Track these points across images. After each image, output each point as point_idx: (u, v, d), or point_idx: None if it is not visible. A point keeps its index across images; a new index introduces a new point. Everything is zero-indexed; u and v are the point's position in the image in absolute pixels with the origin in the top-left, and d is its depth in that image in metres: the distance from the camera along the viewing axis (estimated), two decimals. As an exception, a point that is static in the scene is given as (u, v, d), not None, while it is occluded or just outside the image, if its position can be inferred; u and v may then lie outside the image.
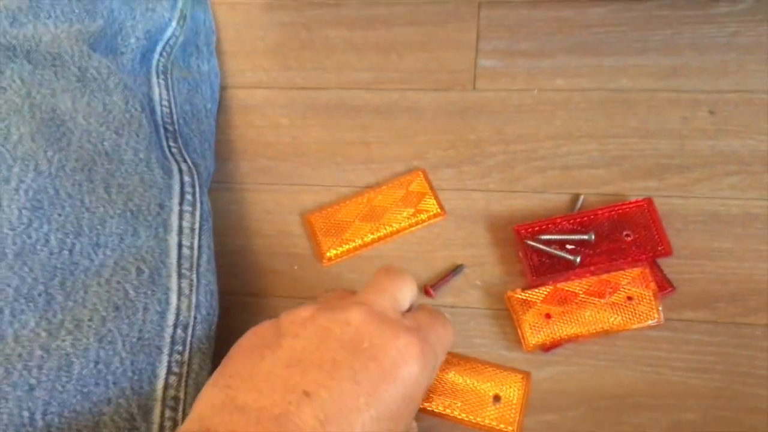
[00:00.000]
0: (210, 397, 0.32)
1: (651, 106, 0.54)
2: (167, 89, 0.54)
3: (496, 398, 0.43)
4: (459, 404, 0.43)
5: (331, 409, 0.31)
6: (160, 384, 0.39)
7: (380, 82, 0.59)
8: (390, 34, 0.61)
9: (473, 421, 0.43)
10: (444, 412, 0.43)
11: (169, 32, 0.57)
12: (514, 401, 0.43)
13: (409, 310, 0.39)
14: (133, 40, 0.53)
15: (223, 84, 0.61)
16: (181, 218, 0.46)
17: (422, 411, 0.43)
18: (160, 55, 0.55)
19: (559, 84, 0.56)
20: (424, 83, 0.58)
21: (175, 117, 0.53)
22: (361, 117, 0.58)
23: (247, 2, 0.65)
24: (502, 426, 0.43)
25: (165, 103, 0.53)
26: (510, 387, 0.44)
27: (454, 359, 0.44)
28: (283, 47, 0.62)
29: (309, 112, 0.59)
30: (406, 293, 0.38)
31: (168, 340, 0.41)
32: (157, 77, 0.54)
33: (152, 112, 0.51)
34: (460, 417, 0.43)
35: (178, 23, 0.57)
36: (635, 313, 0.45)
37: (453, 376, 0.44)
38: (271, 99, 0.60)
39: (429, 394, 0.43)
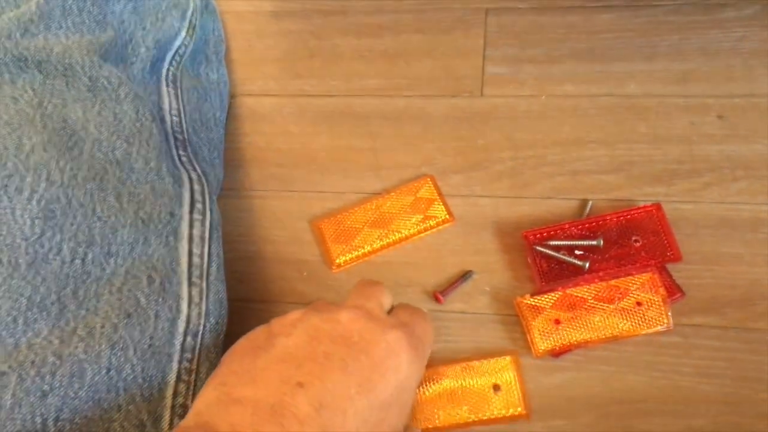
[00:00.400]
0: (206, 396, 0.33)
1: (659, 111, 0.54)
2: (177, 98, 0.54)
3: (496, 388, 0.45)
4: (465, 408, 0.44)
5: (324, 397, 0.32)
6: (169, 391, 0.40)
7: (388, 89, 0.59)
8: (397, 42, 0.61)
9: (484, 418, 0.44)
10: (454, 422, 0.44)
11: (178, 41, 0.57)
12: (513, 383, 0.45)
13: (389, 312, 0.41)
14: (143, 50, 0.54)
15: (232, 92, 0.62)
16: (191, 227, 0.46)
17: (433, 429, 0.44)
18: (170, 64, 0.56)
19: (567, 90, 0.56)
20: (431, 90, 0.58)
21: (184, 126, 0.53)
22: (370, 124, 0.58)
23: (256, 11, 0.65)
24: (511, 411, 0.44)
25: (175, 112, 0.53)
26: (503, 372, 0.45)
27: (442, 369, 0.45)
28: (292, 55, 0.62)
29: (318, 120, 0.59)
30: (386, 299, 0.41)
31: (178, 347, 0.41)
32: (167, 86, 0.54)
33: (162, 121, 0.52)
34: (470, 419, 0.44)
35: (187, 33, 0.58)
36: (644, 319, 0.45)
37: (449, 383, 0.45)
38: (280, 107, 0.60)
39: (434, 410, 0.44)
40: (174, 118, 0.53)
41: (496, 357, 0.46)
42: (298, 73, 0.61)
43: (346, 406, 0.32)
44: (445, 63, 0.59)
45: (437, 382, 0.45)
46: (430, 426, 0.44)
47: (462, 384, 0.45)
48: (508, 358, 0.45)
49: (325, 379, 0.33)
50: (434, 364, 0.46)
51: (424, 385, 0.45)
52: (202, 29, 0.61)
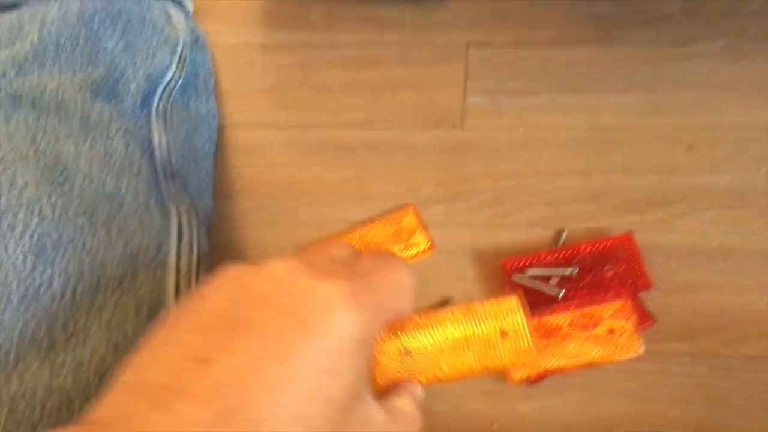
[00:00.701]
0: (115, 381, 0.29)
1: (633, 142, 0.55)
2: (167, 131, 0.56)
3: (503, 334, 0.39)
4: (471, 355, 0.39)
5: (230, 374, 0.27)
6: None
7: (373, 120, 0.61)
8: (382, 74, 0.63)
9: (491, 366, 0.39)
10: (459, 372, 0.39)
11: (169, 75, 0.59)
12: (521, 328, 0.39)
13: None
14: (133, 86, 0.55)
15: (221, 123, 0.63)
16: (178, 258, 0.48)
17: (437, 381, 0.39)
18: (160, 98, 0.58)
19: (545, 121, 0.58)
20: (415, 121, 0.60)
21: (174, 158, 0.55)
22: (356, 155, 0.60)
23: (245, 43, 0.67)
24: (522, 358, 0.39)
25: (164, 145, 0.55)
26: (510, 316, 0.39)
27: (441, 315, 0.39)
28: (280, 87, 0.64)
29: (305, 151, 0.61)
30: (343, 251, 0.34)
31: None
32: (157, 120, 0.56)
33: (152, 155, 0.53)
34: (477, 368, 0.39)
35: (177, 66, 0.60)
36: (617, 346, 0.46)
37: (451, 330, 0.39)
38: (269, 138, 0.62)
39: (436, 362, 0.39)
40: (163, 151, 0.55)
41: (500, 300, 0.39)
42: (286, 105, 0.63)
43: (256, 382, 0.27)
44: (428, 95, 0.61)
45: (437, 329, 0.39)
46: (433, 379, 0.39)
47: (465, 329, 0.39)
48: (514, 299, 0.39)
49: (235, 352, 0.27)
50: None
51: (424, 334, 0.39)
52: (192, 63, 0.62)
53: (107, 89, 0.53)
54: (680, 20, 0.59)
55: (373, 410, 0.31)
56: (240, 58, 0.67)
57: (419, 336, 0.39)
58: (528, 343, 0.39)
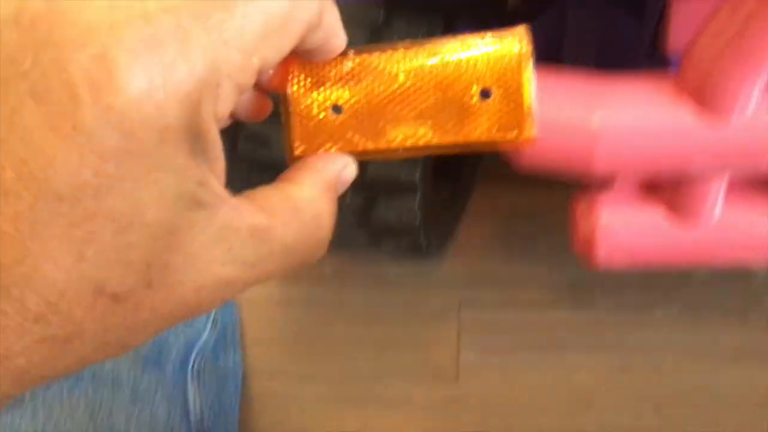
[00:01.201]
0: None
1: (605, 401, 0.64)
2: (200, 391, 0.65)
3: (484, 93, 0.25)
4: (428, 130, 0.25)
5: None
6: None
7: (378, 375, 0.69)
8: (386, 331, 0.72)
9: (455, 141, 0.25)
10: (407, 143, 0.25)
11: (204, 336, 0.68)
12: (513, 88, 0.24)
13: None
14: (174, 352, 0.65)
15: (242, 374, 0.72)
16: None
17: (377, 152, 0.26)
18: (195, 359, 0.67)
19: (529, 380, 0.66)
20: (413, 377, 0.69)
21: (206, 417, 0.63)
22: (361, 406, 0.68)
23: (266, 299, 0.78)
24: (505, 134, 0.25)
25: (198, 406, 0.63)
26: (501, 63, 0.24)
27: (386, 52, 0.25)
28: (296, 340, 0.74)
29: (318, 405, 0.69)
30: None
31: None
32: (192, 381, 0.65)
33: (188, 417, 0.62)
34: (431, 141, 0.25)
35: (211, 327, 0.69)
36: None
37: (400, 76, 0.25)
38: (285, 388, 0.70)
39: (377, 126, 0.25)
40: (197, 413, 0.63)
41: (496, 32, 0.24)
42: (300, 358, 0.72)
43: None
44: (427, 352, 0.70)
45: (380, 74, 0.25)
46: (373, 148, 0.26)
47: (424, 79, 0.25)
48: (510, 37, 0.24)
49: None
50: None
51: (361, 82, 0.25)
52: (222, 321, 0.72)
53: (153, 360, 0.62)
54: (639, 286, 0.69)
55: (238, 214, 0.21)
56: (261, 313, 0.77)
57: (354, 83, 0.26)
58: (518, 110, 0.25)
